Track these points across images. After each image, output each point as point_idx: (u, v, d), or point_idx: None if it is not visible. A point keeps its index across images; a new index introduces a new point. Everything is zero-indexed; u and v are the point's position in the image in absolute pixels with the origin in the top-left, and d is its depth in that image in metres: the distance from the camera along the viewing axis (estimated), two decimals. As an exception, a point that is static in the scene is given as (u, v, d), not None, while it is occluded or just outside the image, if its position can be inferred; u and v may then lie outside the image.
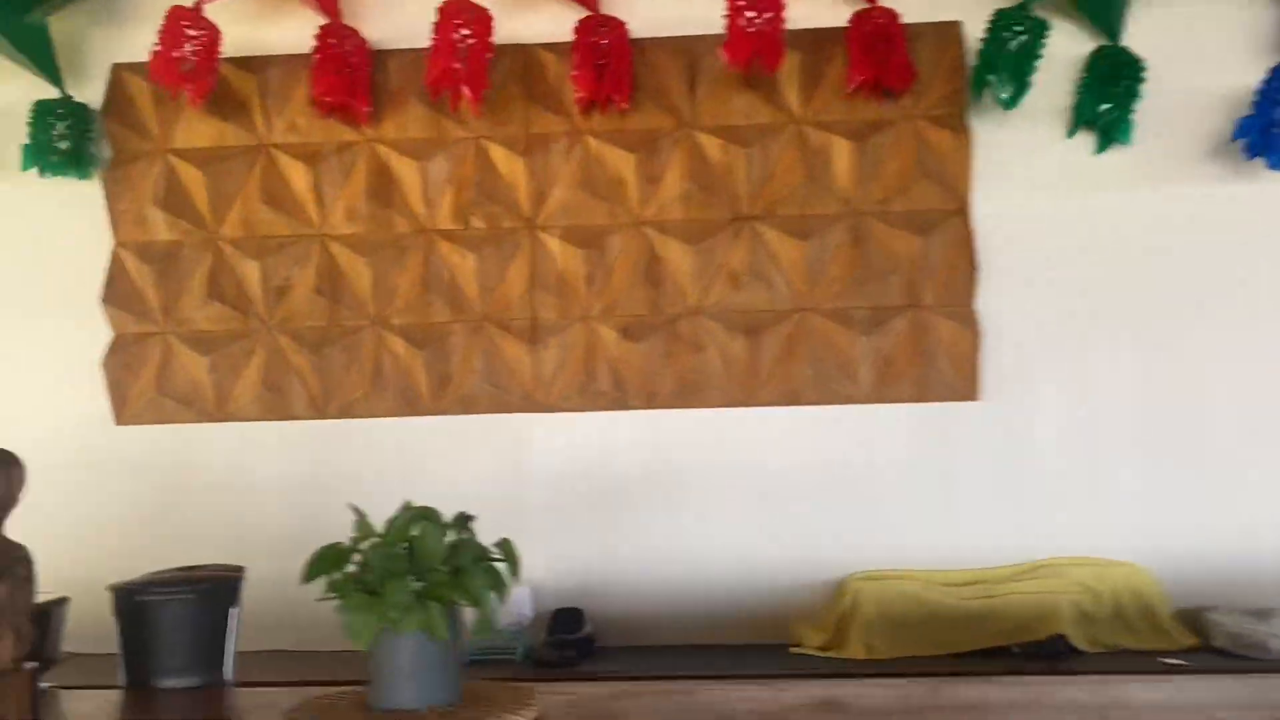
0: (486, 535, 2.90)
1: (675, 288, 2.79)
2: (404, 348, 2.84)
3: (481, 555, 1.41)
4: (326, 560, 1.40)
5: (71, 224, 2.90)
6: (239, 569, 1.79)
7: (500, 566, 1.42)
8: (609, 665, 2.63)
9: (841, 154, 2.77)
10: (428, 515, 1.40)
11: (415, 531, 1.38)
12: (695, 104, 2.80)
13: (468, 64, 2.63)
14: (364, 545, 1.43)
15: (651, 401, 2.80)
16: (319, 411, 2.86)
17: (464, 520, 1.42)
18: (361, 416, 2.86)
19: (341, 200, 2.86)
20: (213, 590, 1.64)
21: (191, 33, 2.61)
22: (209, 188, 2.87)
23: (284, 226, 2.87)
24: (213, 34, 2.66)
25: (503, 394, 2.83)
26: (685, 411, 2.80)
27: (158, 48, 2.63)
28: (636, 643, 2.79)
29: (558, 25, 2.75)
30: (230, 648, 1.67)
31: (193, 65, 2.60)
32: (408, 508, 1.42)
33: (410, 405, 2.85)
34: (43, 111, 2.84)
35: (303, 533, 2.90)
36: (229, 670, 1.66)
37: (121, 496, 2.88)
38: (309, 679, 2.32)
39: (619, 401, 2.81)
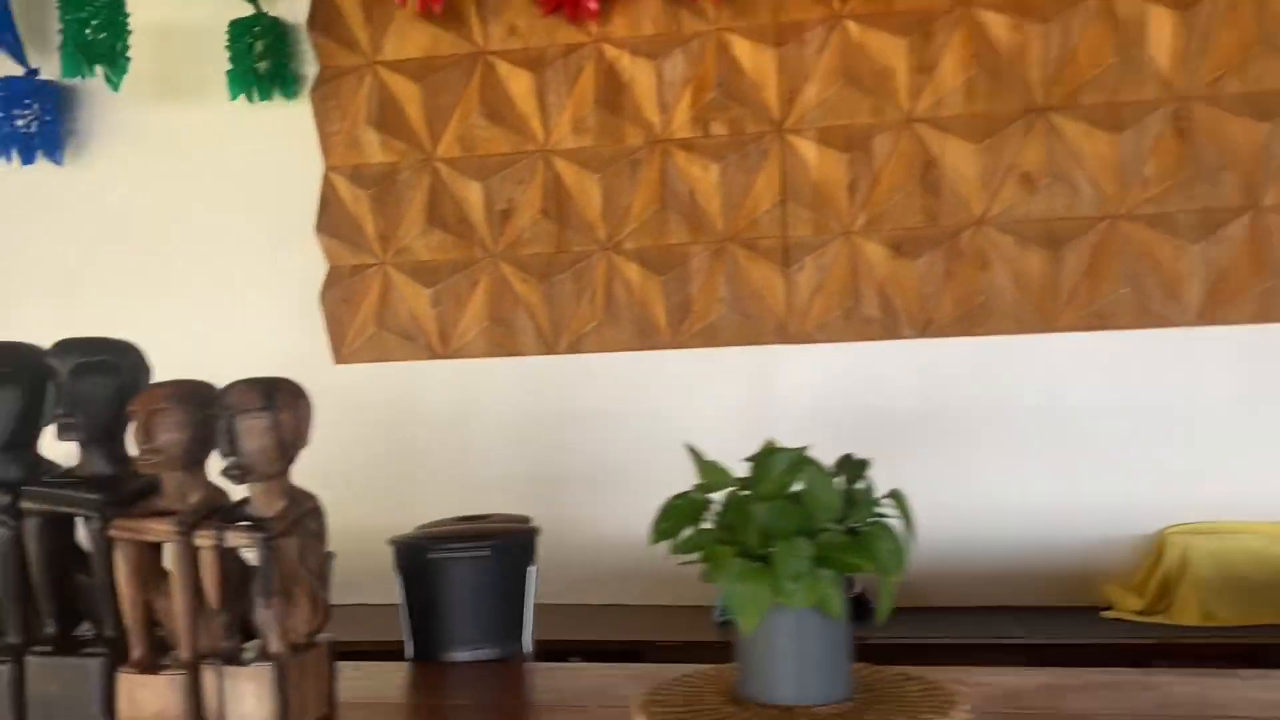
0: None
1: (955, 195, 2.39)
2: (639, 274, 2.54)
3: (875, 510, 1.08)
4: (678, 515, 1.10)
5: (282, 149, 2.69)
6: (525, 519, 1.52)
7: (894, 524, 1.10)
8: (891, 629, 2.30)
9: (1160, 26, 2.30)
10: (808, 458, 1.08)
11: (802, 480, 1.06)
12: (977, -24, 2.38)
13: (716, -61, 2.28)
14: (719, 496, 1.13)
15: (927, 329, 2.42)
16: (548, 346, 2.59)
17: (857, 466, 1.10)
18: (593, 351, 2.58)
19: (567, 110, 2.56)
20: (510, 545, 1.37)
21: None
22: (424, 103, 2.61)
23: (505, 143, 2.59)
24: (433, -74, 2.38)
25: (750, 323, 2.50)
26: (968, 340, 2.41)
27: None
28: (911, 604, 2.44)
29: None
30: (529, 613, 1.40)
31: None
32: (774, 449, 1.11)
33: (646, 338, 2.55)
34: (239, 31, 2.63)
35: (531, 475, 2.69)
36: (529, 640, 1.40)
37: (341, 439, 2.68)
38: (590, 639, 2.10)
39: (888, 329, 2.44)
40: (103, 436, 1.21)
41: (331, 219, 2.67)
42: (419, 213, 2.63)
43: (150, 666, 1.15)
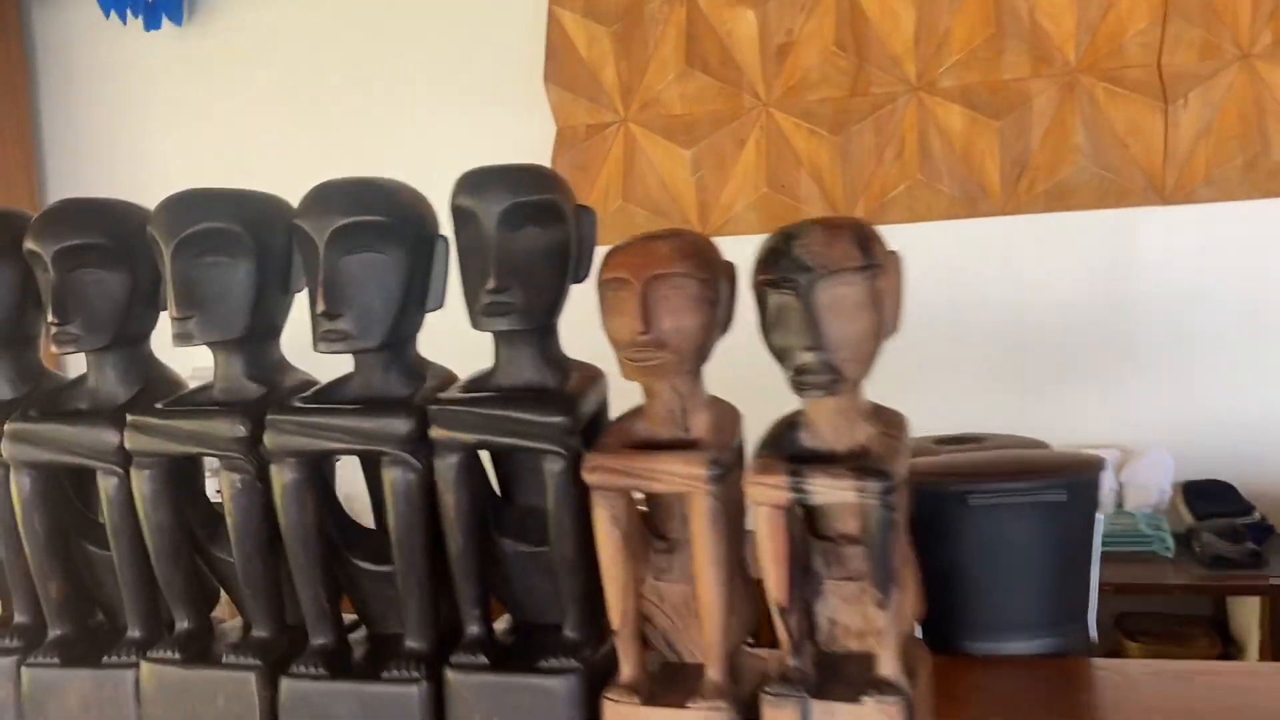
0: (1082, 378, 2.11)
1: None
2: (962, 119, 2.01)
3: None
4: None
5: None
6: (1041, 442, 1.04)
7: None
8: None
9: None
10: None
11: None
12: None
13: None
14: None
15: (1355, 179, 1.87)
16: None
17: None
18: (900, 221, 2.07)
19: (865, -88, 2.01)
20: (1079, 485, 0.90)
21: None
22: (678, -89, 2.08)
23: (783, -41, 2.05)
24: None
25: (1113, 180, 1.97)
26: None
27: None
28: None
29: None
30: (1095, 584, 0.94)
31: None
32: None
33: (971, 203, 2.04)
34: None
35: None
36: (1094, 624, 0.94)
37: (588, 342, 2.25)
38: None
39: (1300, 181, 1.90)
40: (544, 323, 0.75)
41: (561, 67, 2.17)
42: (672, 54, 2.12)
43: (655, 694, 0.70)
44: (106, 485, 0.78)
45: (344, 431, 0.73)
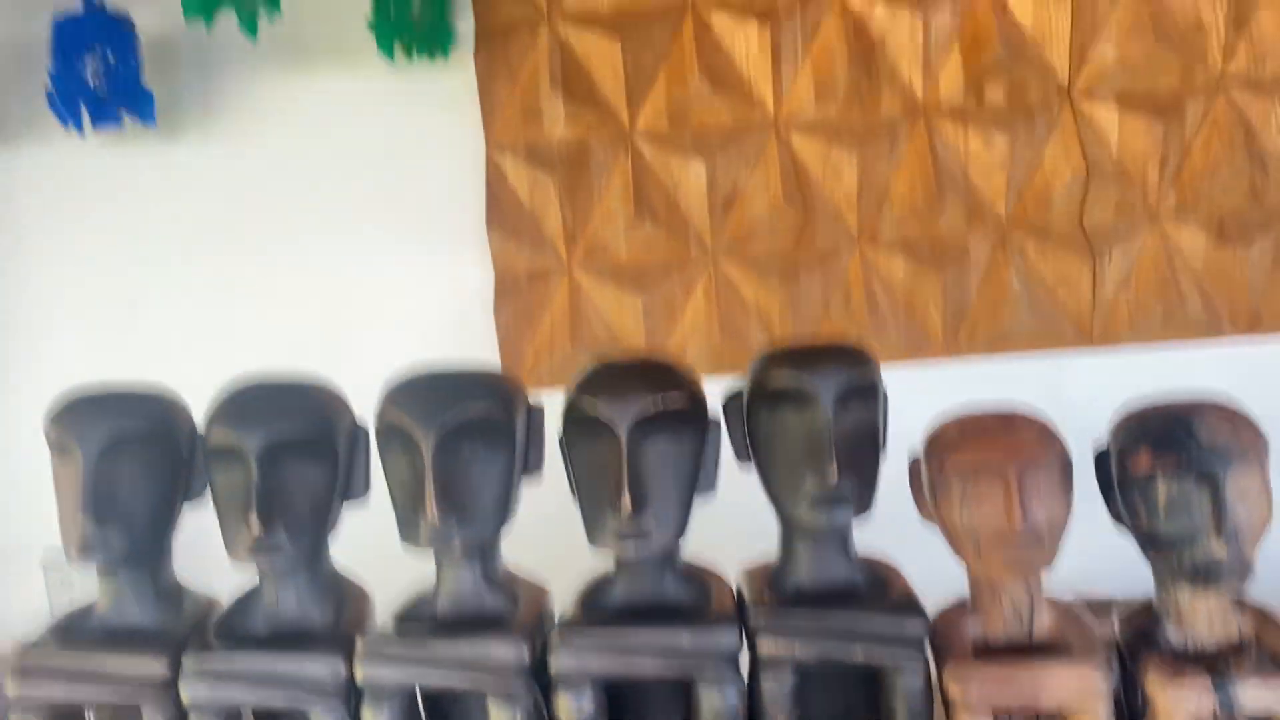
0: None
1: (1287, 169, 2.05)
2: (905, 271, 2.08)
3: None
4: None
5: (441, 124, 2.11)
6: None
7: None
8: None
9: None
10: None
11: None
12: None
13: None
14: None
15: (1256, 325, 2.07)
16: (788, 363, 2.09)
17: None
18: (848, 368, 2.09)
19: (805, 72, 2.08)
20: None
21: None
22: (623, 63, 2.08)
23: (726, 112, 2.08)
24: None
25: (1045, 324, 2.08)
26: (1304, 337, 2.07)
27: None
28: None
29: None
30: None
31: None
32: None
33: (915, 347, 2.10)
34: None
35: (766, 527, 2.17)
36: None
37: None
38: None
39: (1209, 327, 2.08)
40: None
41: (502, 212, 2.10)
42: (617, 202, 2.09)
43: None
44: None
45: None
